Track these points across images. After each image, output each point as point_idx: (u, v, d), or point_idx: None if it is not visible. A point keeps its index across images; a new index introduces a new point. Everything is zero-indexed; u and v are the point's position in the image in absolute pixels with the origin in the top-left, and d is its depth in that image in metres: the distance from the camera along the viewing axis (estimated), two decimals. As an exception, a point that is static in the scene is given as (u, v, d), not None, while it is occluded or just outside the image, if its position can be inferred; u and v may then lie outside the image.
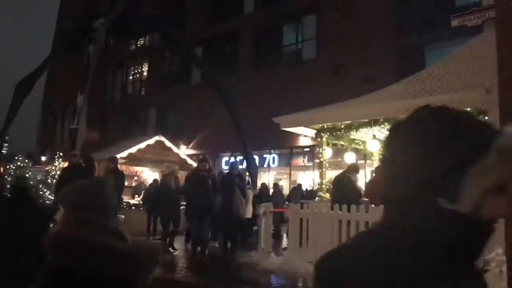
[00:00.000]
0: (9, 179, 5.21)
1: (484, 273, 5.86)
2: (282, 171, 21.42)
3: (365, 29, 18.05)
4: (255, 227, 11.21)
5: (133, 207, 11.72)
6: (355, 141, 8.68)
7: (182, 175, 9.71)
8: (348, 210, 6.27)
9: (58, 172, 9.87)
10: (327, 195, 7.94)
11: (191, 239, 7.90)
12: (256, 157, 15.97)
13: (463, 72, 6.45)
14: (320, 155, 8.25)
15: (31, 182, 11.03)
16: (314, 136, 8.38)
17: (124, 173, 10.24)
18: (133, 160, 13.89)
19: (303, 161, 20.42)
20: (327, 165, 8.45)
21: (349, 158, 9.07)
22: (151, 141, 14.66)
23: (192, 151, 22.05)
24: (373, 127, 7.54)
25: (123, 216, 10.01)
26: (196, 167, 8.32)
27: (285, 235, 11.10)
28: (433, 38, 16.94)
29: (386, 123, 7.41)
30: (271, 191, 13.57)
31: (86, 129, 10.46)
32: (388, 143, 1.07)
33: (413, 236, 0.87)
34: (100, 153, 13.35)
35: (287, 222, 12.03)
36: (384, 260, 0.87)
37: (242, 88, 20.00)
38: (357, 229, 6.15)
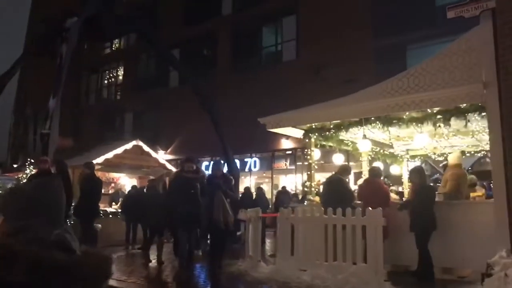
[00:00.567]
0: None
1: (488, 277, 5.60)
2: (264, 175, 21.05)
3: (345, 29, 17.88)
4: (239, 233, 10.78)
5: (111, 216, 11.14)
6: (344, 141, 8.34)
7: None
8: (343, 214, 5.91)
9: (29, 180, 9.24)
10: (317, 199, 7.57)
11: (179, 252, 6.91)
12: (237, 161, 15.58)
13: (459, 66, 6.19)
14: (308, 157, 7.86)
15: (0, 192, 10.36)
16: (302, 137, 8.00)
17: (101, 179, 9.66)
18: (109, 166, 13.26)
19: (285, 164, 20.10)
20: (316, 167, 8.08)
21: (338, 159, 8.74)
22: (129, 145, 14.06)
23: (170, 156, 21.49)
24: (364, 126, 7.21)
25: (100, 225, 9.46)
26: (180, 168, 7.27)
27: (268, 241, 10.71)
28: (414, 38, 16.88)
29: (377, 122, 7.09)
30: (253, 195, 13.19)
31: (59, 135, 9.90)
32: None
33: None
34: (74, 159, 12.71)
35: (270, 228, 11.73)
36: None
37: (221, 91, 19.57)
38: (353, 234, 5.79)
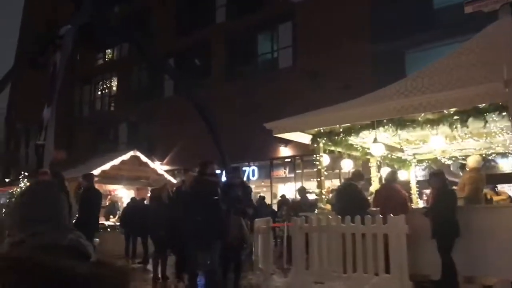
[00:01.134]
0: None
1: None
2: (263, 183, 20.66)
3: (342, 35, 17.64)
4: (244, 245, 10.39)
5: (109, 229, 10.71)
6: (353, 146, 8.01)
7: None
8: (362, 222, 5.56)
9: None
10: (328, 207, 7.22)
11: (188, 267, 6.06)
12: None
13: (477, 64, 5.91)
14: (317, 163, 7.51)
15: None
16: (309, 142, 7.66)
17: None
18: (106, 178, 12.83)
19: (284, 172, 19.75)
20: (326, 173, 7.73)
21: (346, 165, 8.40)
22: (126, 156, 13.65)
23: (166, 167, 21.06)
24: (376, 129, 6.89)
25: (97, 240, 9.03)
26: (200, 171, 5.81)
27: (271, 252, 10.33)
28: (413, 42, 16.70)
29: (390, 124, 6.78)
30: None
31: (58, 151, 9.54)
32: None
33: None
34: (69, 171, 12.28)
35: (276, 238, 11.35)
36: None
37: (217, 99, 19.25)
38: (374, 243, 5.44)
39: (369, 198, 7.38)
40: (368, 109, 6.68)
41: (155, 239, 7.59)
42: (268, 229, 6.56)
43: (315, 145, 7.54)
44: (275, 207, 15.84)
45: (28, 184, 9.38)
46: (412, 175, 10.23)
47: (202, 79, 21.92)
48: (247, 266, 7.43)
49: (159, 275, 7.28)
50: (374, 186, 8.63)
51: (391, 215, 5.35)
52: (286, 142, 18.53)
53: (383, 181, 7.24)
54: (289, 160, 19.09)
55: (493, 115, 6.09)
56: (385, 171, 9.34)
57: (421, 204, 9.68)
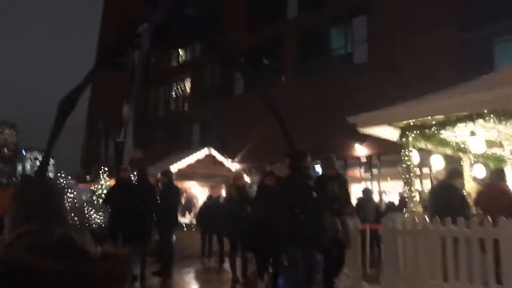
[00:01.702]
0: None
1: None
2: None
3: (422, 25, 16.57)
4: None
5: (185, 227, 10.70)
6: (446, 141, 7.29)
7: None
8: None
9: (105, 191, 8.94)
10: (419, 208, 6.59)
11: (272, 266, 5.80)
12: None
13: None
14: (407, 159, 6.89)
15: (76, 204, 10.22)
16: (398, 136, 7.05)
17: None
18: (182, 175, 12.89)
19: (360, 172, 18.94)
20: (416, 171, 7.09)
21: (437, 162, 7.67)
22: (201, 154, 13.67)
23: (238, 165, 21.03)
24: (475, 121, 6.16)
25: (175, 237, 8.99)
26: (295, 164, 4.95)
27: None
28: (501, 30, 15.33)
29: (492, 115, 6.03)
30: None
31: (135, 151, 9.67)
32: None
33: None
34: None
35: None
36: None
37: (289, 97, 18.90)
38: (481, 249, 4.80)
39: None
40: (466, 99, 5.97)
41: (230, 238, 7.36)
42: (356, 231, 6.08)
43: (404, 140, 6.92)
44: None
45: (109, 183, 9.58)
46: (510, 174, 9.25)
47: (273, 77, 21.66)
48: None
49: (238, 275, 7.04)
50: (470, 186, 7.83)
51: (503, 218, 4.67)
52: (362, 140, 17.76)
53: (486, 180, 6.46)
54: (365, 160, 18.26)
55: None
56: (479, 169, 8.50)
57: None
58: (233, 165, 16.51)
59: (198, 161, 13.36)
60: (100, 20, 36.66)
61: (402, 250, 5.49)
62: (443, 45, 16.09)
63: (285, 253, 4.93)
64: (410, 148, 6.88)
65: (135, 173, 7.61)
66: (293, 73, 21.32)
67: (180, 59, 28.53)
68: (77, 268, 1.07)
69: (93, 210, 9.51)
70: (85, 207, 9.58)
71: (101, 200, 9.04)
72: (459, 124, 6.46)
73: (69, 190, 9.95)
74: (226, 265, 8.11)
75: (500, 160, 8.96)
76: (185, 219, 11.49)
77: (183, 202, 12.46)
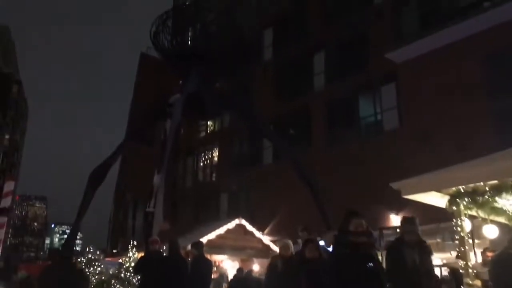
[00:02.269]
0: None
1: None
2: (373, 256, 18.97)
3: (453, 92, 16.35)
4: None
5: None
6: (502, 209, 6.71)
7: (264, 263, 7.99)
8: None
9: (133, 264, 8.52)
10: (478, 282, 5.93)
11: None
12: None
13: None
14: (459, 229, 6.33)
15: (103, 277, 9.81)
16: (447, 204, 6.54)
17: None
18: (212, 247, 12.38)
19: (396, 243, 17.96)
20: (470, 241, 6.48)
21: (491, 232, 7.03)
22: (231, 225, 13.25)
23: (268, 237, 20.35)
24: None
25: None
26: (343, 229, 4.23)
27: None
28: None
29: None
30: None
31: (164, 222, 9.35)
32: None
33: None
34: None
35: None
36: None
37: (317, 167, 18.54)
38: None
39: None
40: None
41: None
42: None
43: (454, 208, 6.40)
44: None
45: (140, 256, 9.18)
46: None
47: (301, 146, 21.49)
48: None
49: None
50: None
51: None
52: (398, 209, 17.06)
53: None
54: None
55: None
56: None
57: None
58: (264, 237, 15.90)
59: (228, 231, 12.90)
60: (132, 95, 38.04)
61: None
62: (475, 112, 15.73)
63: None
64: (462, 217, 6.34)
65: (165, 245, 7.24)
66: (321, 142, 21.14)
67: (208, 129, 28.93)
68: None
69: (120, 285, 9.05)
70: (112, 281, 9.14)
71: (128, 274, 8.62)
72: (515, 189, 5.96)
73: (96, 264, 9.57)
74: None
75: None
76: (216, 294, 10.84)
77: (214, 276, 11.86)
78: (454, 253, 10.62)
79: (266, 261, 8.89)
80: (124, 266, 9.56)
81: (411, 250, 4.69)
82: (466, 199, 6.30)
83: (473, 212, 6.77)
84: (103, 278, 9.59)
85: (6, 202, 7.06)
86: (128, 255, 9.98)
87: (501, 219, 7.32)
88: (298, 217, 19.41)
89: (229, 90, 22.25)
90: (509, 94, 15.19)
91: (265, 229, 21.57)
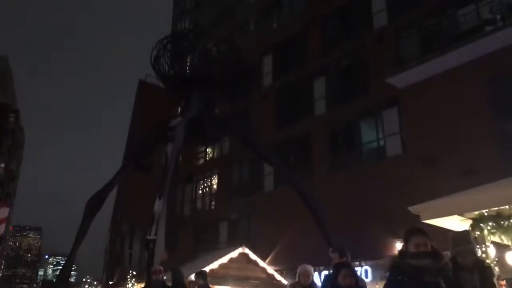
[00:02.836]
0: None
1: None
2: (377, 286, 18.35)
3: (457, 115, 16.13)
4: None
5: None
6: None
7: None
8: None
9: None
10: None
11: None
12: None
13: None
14: (484, 255, 5.92)
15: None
16: (469, 228, 6.15)
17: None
18: (214, 277, 11.81)
19: (403, 272, 17.36)
20: (496, 268, 6.05)
21: (514, 258, 6.62)
22: (234, 254, 12.71)
23: (270, 267, 19.71)
24: None
25: None
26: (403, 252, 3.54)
27: None
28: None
29: None
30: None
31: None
32: None
33: None
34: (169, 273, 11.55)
35: None
36: None
37: (320, 193, 18.11)
38: None
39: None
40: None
41: None
42: None
43: (478, 233, 6.00)
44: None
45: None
46: None
47: (303, 172, 21.12)
48: None
49: None
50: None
51: None
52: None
53: None
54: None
55: None
56: None
57: None
58: (267, 266, 15.33)
59: (231, 261, 12.35)
60: (129, 122, 37.77)
61: None
62: (482, 135, 15.48)
63: None
64: (487, 243, 5.94)
65: (167, 274, 6.79)
66: (323, 168, 20.78)
67: (207, 156, 28.57)
68: None
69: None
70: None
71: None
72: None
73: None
74: None
75: None
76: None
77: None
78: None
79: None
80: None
81: (468, 274, 3.93)
82: (490, 223, 5.91)
83: (496, 238, 6.38)
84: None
85: (0, 229, 6.61)
86: (127, 285, 9.44)
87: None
88: (301, 245, 18.92)
89: (229, 115, 22.07)
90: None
91: (266, 258, 20.95)
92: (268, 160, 14.38)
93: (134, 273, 9.59)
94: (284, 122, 23.46)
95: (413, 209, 6.20)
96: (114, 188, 13.29)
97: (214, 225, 25.77)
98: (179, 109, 25.60)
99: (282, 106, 24.19)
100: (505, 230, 6.08)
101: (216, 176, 27.19)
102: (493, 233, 6.16)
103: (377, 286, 18.36)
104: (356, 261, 18.11)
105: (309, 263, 18.87)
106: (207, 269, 11.46)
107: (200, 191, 28.46)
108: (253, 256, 13.42)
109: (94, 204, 10.56)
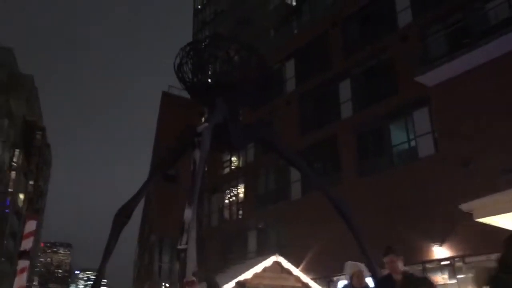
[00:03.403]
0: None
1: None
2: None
3: (494, 110, 15.43)
4: None
5: None
6: None
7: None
8: None
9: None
10: None
11: None
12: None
13: None
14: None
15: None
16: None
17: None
18: (248, 288, 11.49)
19: (442, 278, 16.62)
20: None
21: None
22: (268, 262, 12.28)
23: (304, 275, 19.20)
24: None
25: None
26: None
27: None
28: None
29: None
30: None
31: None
32: None
33: None
34: (203, 284, 11.21)
35: None
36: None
37: (349, 199, 17.55)
38: None
39: None
40: None
41: None
42: None
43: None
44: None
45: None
46: None
47: (330, 178, 20.61)
48: None
49: None
50: None
51: None
52: (441, 241, 15.89)
53: None
54: (447, 262, 16.09)
55: None
56: None
57: None
58: (302, 274, 14.83)
59: (265, 270, 11.93)
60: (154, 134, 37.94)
61: None
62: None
63: None
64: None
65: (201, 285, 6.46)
66: (352, 173, 20.23)
67: (232, 165, 28.33)
68: None
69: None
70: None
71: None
72: None
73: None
74: None
75: None
76: None
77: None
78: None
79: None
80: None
81: None
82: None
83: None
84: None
85: (28, 244, 6.35)
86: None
87: None
88: (334, 252, 18.36)
89: (253, 121, 21.83)
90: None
91: (298, 266, 20.44)
92: (297, 166, 13.99)
93: (167, 285, 9.32)
94: (309, 127, 23.04)
95: (465, 206, 5.71)
96: (142, 199, 13.13)
97: (242, 235, 25.43)
98: (203, 118, 25.53)
99: (306, 111, 23.78)
100: None
101: (242, 185, 26.88)
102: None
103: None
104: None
105: (339, 273, 18.16)
106: (240, 279, 11.11)
107: (227, 201, 28.19)
108: (286, 264, 12.95)
109: (123, 216, 10.30)
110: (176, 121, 28.22)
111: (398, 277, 4.32)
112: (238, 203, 27.17)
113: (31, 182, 49.82)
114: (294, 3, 28.74)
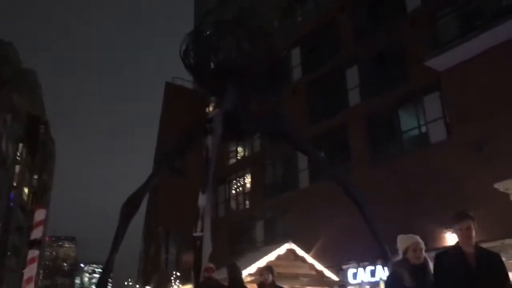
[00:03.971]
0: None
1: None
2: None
3: (505, 95, 15.11)
4: None
5: None
6: None
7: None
8: None
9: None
10: None
11: None
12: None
13: None
14: None
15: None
16: None
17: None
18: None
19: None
20: None
21: None
22: (281, 250, 12.04)
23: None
24: None
25: None
26: None
27: None
28: None
29: None
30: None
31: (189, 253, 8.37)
32: None
33: None
34: (219, 271, 10.99)
35: None
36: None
37: (360, 185, 17.30)
38: None
39: None
40: None
41: None
42: None
43: None
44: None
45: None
46: None
47: (341, 167, 20.33)
48: None
49: None
50: None
51: None
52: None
53: None
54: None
55: None
56: None
57: None
58: (316, 262, 14.53)
59: (279, 258, 11.67)
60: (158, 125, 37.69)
61: None
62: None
63: None
64: None
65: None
66: (362, 160, 19.94)
67: (239, 155, 28.10)
68: None
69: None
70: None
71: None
72: None
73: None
74: None
75: None
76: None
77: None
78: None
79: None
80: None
81: None
82: None
83: None
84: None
85: (38, 233, 6.13)
86: (172, 287, 8.97)
87: None
88: (342, 240, 18.16)
89: (261, 110, 21.52)
90: None
91: (308, 254, 20.29)
92: (308, 153, 13.71)
93: (178, 274, 9.11)
94: (317, 116, 22.72)
95: (500, 185, 5.41)
96: (148, 192, 12.88)
97: (250, 225, 25.28)
98: (211, 107, 25.20)
99: (314, 100, 23.45)
100: None
101: (249, 175, 26.65)
102: None
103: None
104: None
105: (353, 260, 17.86)
106: (254, 267, 10.88)
107: (234, 191, 28.00)
108: (300, 251, 12.70)
109: (130, 208, 10.07)
110: (180, 111, 27.97)
111: (469, 249, 3.83)
112: (245, 193, 26.98)
113: (35, 177, 49.72)
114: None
